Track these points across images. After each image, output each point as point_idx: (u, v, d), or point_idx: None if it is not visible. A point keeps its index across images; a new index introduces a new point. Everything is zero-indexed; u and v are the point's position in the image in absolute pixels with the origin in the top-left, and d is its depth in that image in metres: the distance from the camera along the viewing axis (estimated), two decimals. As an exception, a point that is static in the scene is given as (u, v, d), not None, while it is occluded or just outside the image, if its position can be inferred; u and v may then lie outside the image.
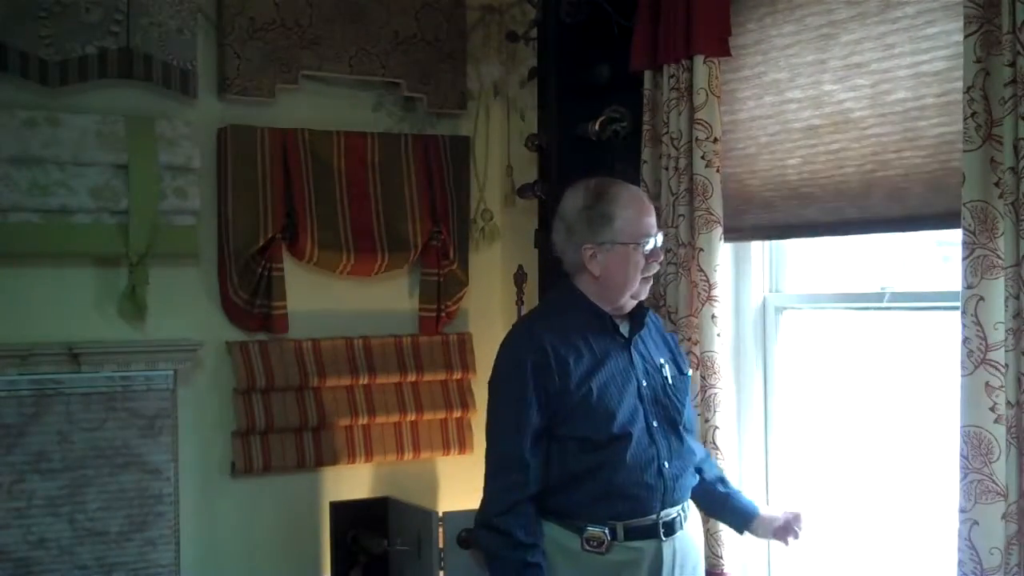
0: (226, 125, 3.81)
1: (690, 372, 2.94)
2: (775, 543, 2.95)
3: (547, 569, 2.61)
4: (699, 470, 2.88)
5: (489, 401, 2.75)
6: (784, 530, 2.84)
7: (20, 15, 3.43)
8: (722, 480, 2.97)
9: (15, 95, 3.50)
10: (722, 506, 2.93)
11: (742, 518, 2.90)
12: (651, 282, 2.79)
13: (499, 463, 2.67)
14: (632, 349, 2.75)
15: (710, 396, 3.21)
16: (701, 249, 3.22)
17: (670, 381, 2.77)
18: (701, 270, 3.22)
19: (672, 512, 2.69)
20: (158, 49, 3.63)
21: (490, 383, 2.77)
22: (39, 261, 3.56)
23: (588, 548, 2.62)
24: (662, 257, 2.79)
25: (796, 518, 2.84)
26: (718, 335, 3.21)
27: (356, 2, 3.97)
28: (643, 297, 2.78)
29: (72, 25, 3.50)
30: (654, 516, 2.65)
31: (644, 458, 2.65)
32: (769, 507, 3.03)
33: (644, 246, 2.70)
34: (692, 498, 2.81)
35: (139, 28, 3.59)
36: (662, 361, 2.79)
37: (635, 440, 2.64)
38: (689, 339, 3.26)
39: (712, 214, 3.22)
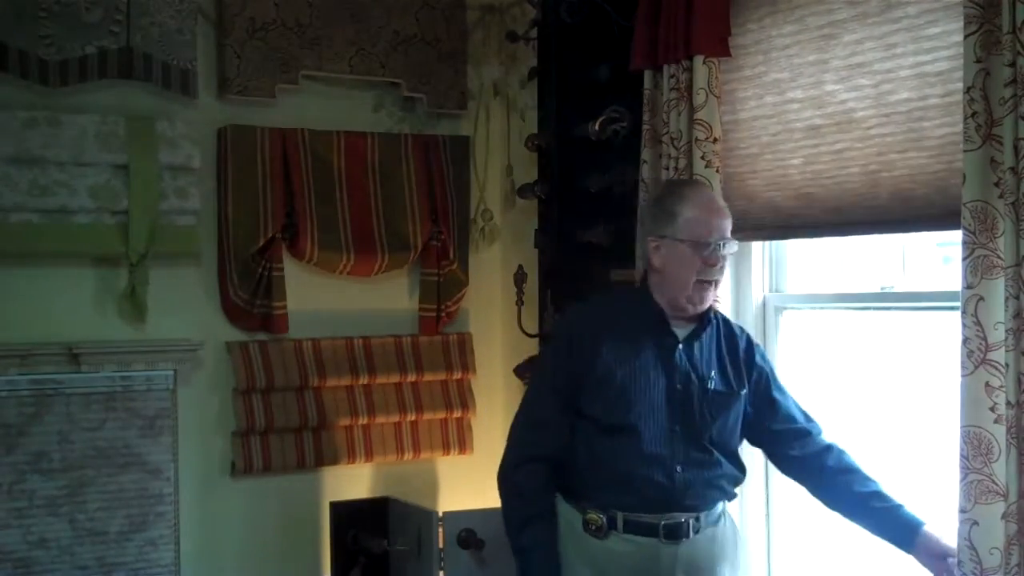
0: (226, 125, 3.81)
1: (744, 391, 2.82)
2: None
3: (562, 543, 2.70)
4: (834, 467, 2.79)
5: (532, 370, 2.87)
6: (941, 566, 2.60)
7: (20, 15, 3.43)
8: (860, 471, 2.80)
9: (15, 95, 3.50)
10: (877, 511, 2.72)
11: (901, 531, 2.67)
12: (710, 288, 2.76)
13: (523, 421, 2.80)
14: (679, 351, 2.75)
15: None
16: None
17: (709, 393, 2.74)
18: None
19: (679, 517, 2.68)
20: (158, 49, 3.62)
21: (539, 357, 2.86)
22: (39, 261, 3.56)
23: (587, 531, 2.68)
24: (721, 264, 2.75)
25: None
26: None
27: (356, 2, 3.97)
28: (703, 304, 2.75)
29: (72, 25, 3.49)
30: (657, 516, 2.66)
31: (659, 456, 2.67)
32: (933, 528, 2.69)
33: (702, 249, 2.70)
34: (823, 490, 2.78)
35: (139, 28, 3.59)
36: (712, 372, 2.77)
37: (650, 436, 2.66)
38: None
39: None
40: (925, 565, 2.64)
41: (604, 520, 2.66)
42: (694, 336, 2.78)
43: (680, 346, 2.76)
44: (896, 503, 2.71)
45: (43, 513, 3.53)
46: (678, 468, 2.68)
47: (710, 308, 2.81)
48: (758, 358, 2.89)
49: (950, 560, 2.55)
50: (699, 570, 2.71)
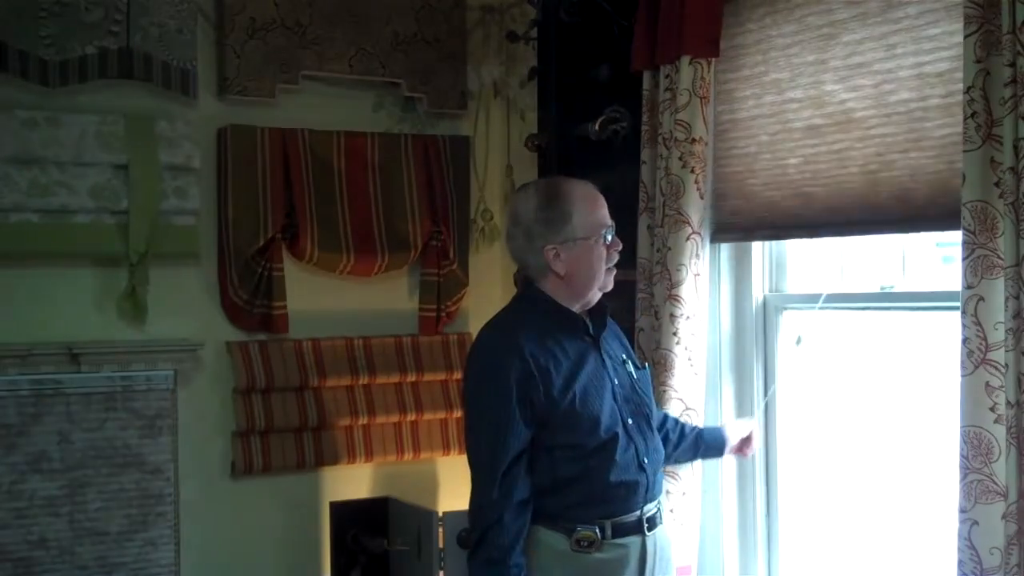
0: (226, 125, 3.81)
1: (648, 364, 3.06)
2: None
3: (539, 571, 2.63)
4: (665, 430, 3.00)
5: (470, 411, 2.73)
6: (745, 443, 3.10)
7: (20, 15, 3.42)
8: (682, 424, 3.11)
9: (15, 95, 3.50)
10: (696, 444, 3.07)
11: (718, 444, 3.10)
12: (615, 272, 2.78)
13: (481, 479, 2.66)
14: (600, 349, 2.75)
15: (661, 392, 3.22)
16: (669, 248, 3.25)
17: (635, 376, 2.80)
18: (666, 269, 3.24)
19: (652, 507, 2.72)
20: (158, 49, 3.62)
21: (469, 391, 2.74)
22: (39, 261, 3.56)
23: (578, 548, 2.63)
24: (621, 246, 2.77)
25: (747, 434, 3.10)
26: (675, 334, 3.23)
27: (356, 2, 3.97)
28: (609, 288, 2.78)
29: (72, 25, 3.49)
30: (638, 512, 2.68)
31: (628, 456, 2.67)
32: (729, 424, 3.23)
33: (604, 238, 2.71)
34: (674, 454, 3.00)
35: (139, 28, 3.59)
36: (624, 358, 2.82)
37: (620, 441, 2.66)
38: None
39: (681, 214, 3.23)
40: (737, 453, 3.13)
41: (598, 532, 2.63)
42: (600, 329, 2.78)
43: (599, 343, 2.76)
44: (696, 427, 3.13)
45: (43, 513, 3.53)
46: (644, 460, 2.70)
47: (603, 296, 2.81)
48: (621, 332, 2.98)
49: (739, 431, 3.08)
50: (665, 556, 2.77)
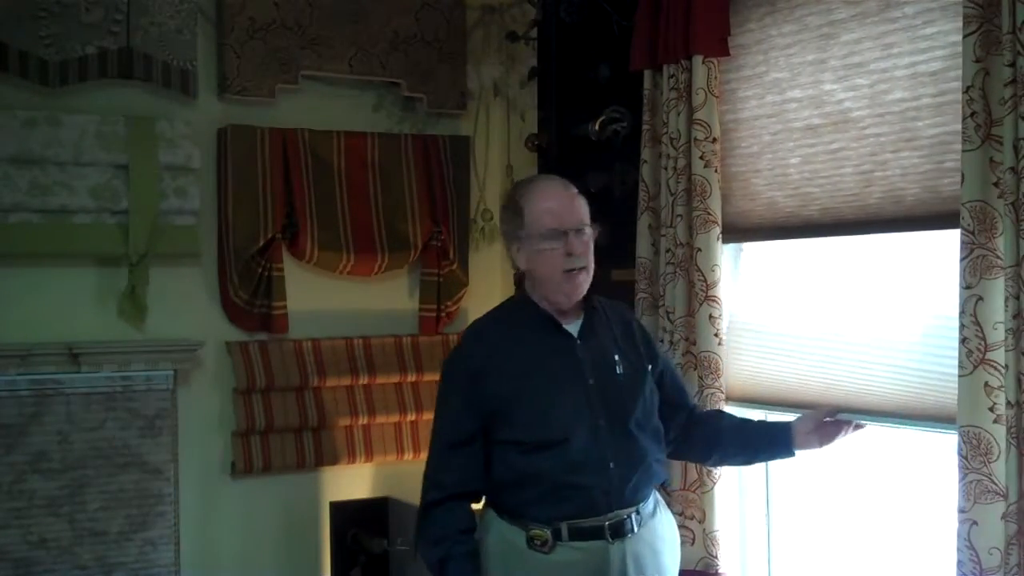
0: (226, 125, 3.81)
1: (652, 364, 2.82)
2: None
3: (492, 562, 2.62)
4: (708, 425, 2.89)
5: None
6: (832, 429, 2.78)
7: (20, 15, 3.43)
8: (739, 419, 2.95)
9: (15, 95, 3.51)
10: (750, 442, 2.86)
11: (783, 439, 2.82)
12: (580, 274, 2.64)
13: (428, 466, 2.72)
14: (578, 348, 2.69)
15: (708, 396, 3.20)
16: (699, 249, 3.22)
17: (620, 378, 2.69)
18: (699, 270, 3.22)
19: (622, 514, 2.61)
20: (158, 49, 3.63)
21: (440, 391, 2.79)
22: (39, 261, 3.56)
23: (532, 547, 2.59)
24: (583, 250, 2.63)
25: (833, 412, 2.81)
26: (715, 335, 3.21)
27: (356, 2, 3.97)
28: (577, 293, 2.68)
29: (72, 25, 3.50)
30: (601, 518, 2.60)
31: (589, 458, 2.60)
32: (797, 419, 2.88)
33: (557, 239, 2.60)
34: (721, 448, 2.85)
35: (139, 28, 3.59)
36: (616, 357, 2.71)
37: (578, 441, 2.60)
38: (687, 339, 3.27)
39: (710, 214, 3.22)
40: (811, 443, 2.78)
41: (549, 534, 2.58)
42: (587, 328, 2.72)
43: (578, 342, 2.70)
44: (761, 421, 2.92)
45: (43, 513, 3.53)
46: (611, 465, 2.61)
47: (591, 296, 2.74)
48: (657, 347, 2.90)
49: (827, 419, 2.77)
50: (645, 566, 2.64)
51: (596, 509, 2.59)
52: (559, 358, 2.67)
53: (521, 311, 2.73)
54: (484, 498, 2.72)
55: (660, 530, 2.71)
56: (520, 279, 3.98)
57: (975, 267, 2.46)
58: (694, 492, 3.26)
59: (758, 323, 3.28)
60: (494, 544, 2.65)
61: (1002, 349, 2.42)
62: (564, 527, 2.58)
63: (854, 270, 3.03)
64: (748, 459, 2.94)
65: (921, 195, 2.76)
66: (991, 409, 2.44)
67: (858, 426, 2.80)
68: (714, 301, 3.21)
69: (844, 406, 2.86)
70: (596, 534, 2.59)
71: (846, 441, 2.79)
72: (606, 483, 2.60)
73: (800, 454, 2.81)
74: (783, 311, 3.21)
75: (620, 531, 2.60)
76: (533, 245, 2.64)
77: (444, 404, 2.74)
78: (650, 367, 2.78)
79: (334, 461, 3.99)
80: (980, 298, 2.45)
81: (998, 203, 2.44)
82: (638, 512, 2.64)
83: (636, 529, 2.62)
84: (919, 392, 2.75)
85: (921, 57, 2.75)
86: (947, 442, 2.64)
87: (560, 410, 2.62)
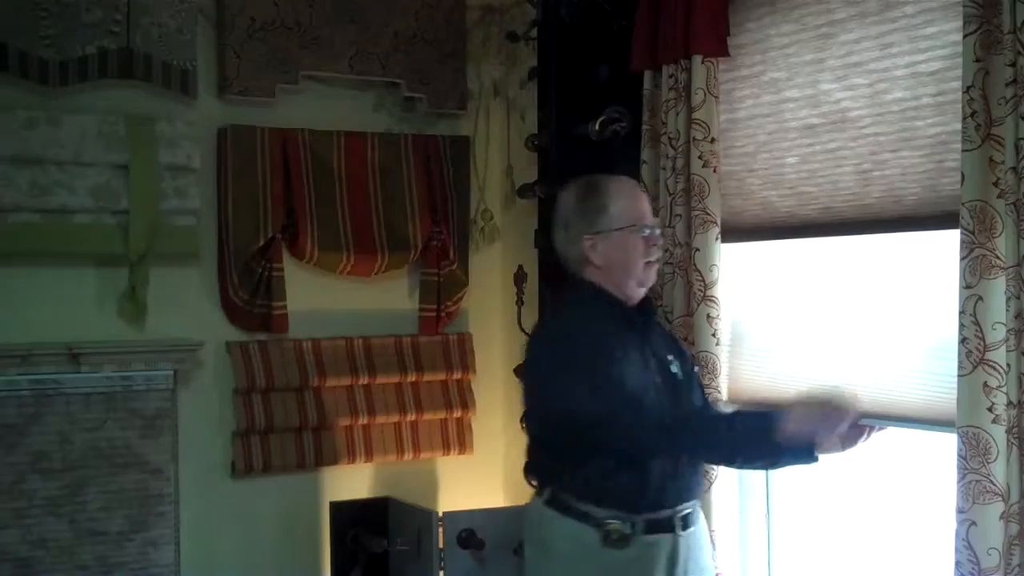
0: (226, 125, 3.81)
1: (694, 365, 2.96)
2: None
3: (554, 562, 2.64)
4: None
5: (551, 378, 2.63)
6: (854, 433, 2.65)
7: (20, 15, 3.43)
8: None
9: (15, 95, 3.50)
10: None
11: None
12: (654, 268, 2.80)
13: (592, 404, 2.56)
14: (645, 344, 2.75)
15: (706, 396, 3.20)
16: (697, 249, 3.22)
17: (679, 377, 2.78)
18: (697, 270, 3.22)
19: (687, 507, 2.70)
20: (158, 49, 3.63)
21: (543, 365, 2.67)
22: (39, 261, 3.56)
23: (607, 544, 2.61)
24: (661, 242, 2.81)
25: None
26: (713, 335, 3.21)
27: (356, 2, 3.97)
28: (650, 283, 2.80)
29: (72, 25, 3.50)
30: (671, 510, 2.66)
31: None
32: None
33: (641, 230, 2.73)
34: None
35: (139, 28, 3.59)
36: (670, 357, 2.80)
37: None
38: (685, 339, 3.27)
39: (708, 214, 3.22)
40: (833, 447, 2.60)
41: (630, 527, 2.61)
42: (648, 325, 2.80)
43: (645, 339, 2.76)
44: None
45: (43, 513, 3.53)
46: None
47: (650, 293, 2.83)
48: (683, 345, 2.95)
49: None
50: (697, 559, 2.73)
51: (669, 501, 2.65)
52: (636, 351, 2.72)
53: (597, 302, 2.74)
54: (545, 494, 2.69)
55: (702, 527, 2.81)
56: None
57: (975, 267, 2.46)
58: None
59: (759, 323, 3.27)
60: (561, 543, 2.65)
61: (1002, 349, 2.42)
62: (640, 521, 2.62)
63: (854, 270, 3.03)
64: (771, 464, 2.86)
65: (921, 195, 2.76)
66: (990, 409, 2.43)
67: (878, 429, 2.76)
68: (712, 301, 3.21)
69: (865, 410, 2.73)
70: (668, 526, 2.65)
71: (867, 445, 2.73)
72: (680, 473, 2.67)
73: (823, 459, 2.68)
74: (783, 311, 3.20)
75: (687, 523, 2.68)
76: (616, 238, 2.72)
77: (582, 361, 2.59)
78: (695, 368, 2.90)
79: (334, 461, 3.99)
80: (980, 298, 2.45)
81: (998, 203, 2.43)
82: (695, 506, 2.73)
83: (696, 523, 2.72)
84: (921, 394, 2.75)
85: (921, 57, 2.74)
86: (947, 442, 2.63)
87: (647, 396, 2.66)
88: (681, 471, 2.67)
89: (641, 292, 2.79)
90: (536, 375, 2.76)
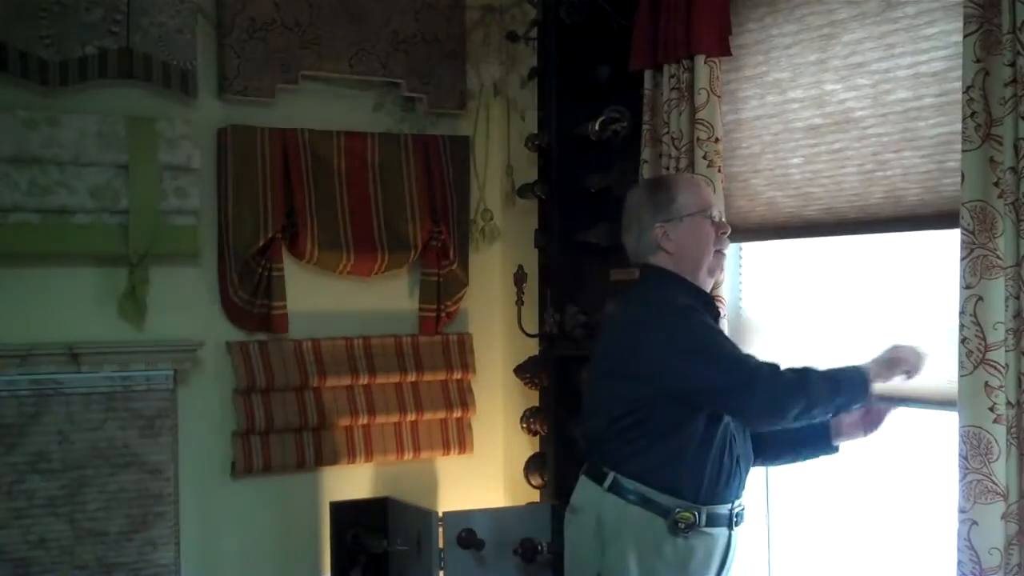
0: (226, 125, 3.81)
1: None
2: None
3: (617, 547, 2.62)
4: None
5: (693, 354, 2.62)
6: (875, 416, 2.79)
7: (20, 15, 3.43)
8: None
9: (15, 95, 3.50)
10: (793, 440, 2.86)
11: (823, 434, 2.83)
12: (724, 258, 2.82)
13: (724, 361, 2.61)
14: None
15: None
16: None
17: None
18: None
19: (741, 504, 2.72)
20: (158, 49, 3.63)
21: (676, 341, 2.63)
22: (39, 261, 3.56)
23: (673, 532, 2.61)
24: (729, 230, 2.81)
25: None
26: None
27: (356, 2, 3.97)
28: (718, 274, 2.84)
29: (72, 25, 3.50)
30: (729, 504, 2.68)
31: (726, 444, 2.67)
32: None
33: (710, 216, 2.75)
34: (765, 447, 2.83)
35: (139, 28, 3.59)
36: None
37: (723, 424, 2.66)
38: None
39: None
40: (856, 432, 2.80)
41: (695, 516, 2.62)
42: (719, 314, 2.86)
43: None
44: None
45: (43, 513, 3.53)
46: (740, 454, 2.71)
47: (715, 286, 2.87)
48: None
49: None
50: (736, 558, 2.75)
51: (729, 496, 2.68)
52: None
53: (679, 291, 2.74)
54: (607, 481, 2.67)
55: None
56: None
57: (975, 267, 2.46)
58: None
59: (759, 323, 3.27)
60: (627, 530, 2.63)
61: (1002, 349, 2.43)
62: (704, 511, 2.63)
63: (854, 269, 3.04)
64: (792, 458, 2.93)
65: (922, 195, 2.77)
66: (991, 409, 2.44)
67: (895, 409, 2.80)
68: (717, 300, 3.20)
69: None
70: (724, 520, 2.68)
71: (888, 427, 2.80)
72: (739, 470, 2.70)
73: (844, 447, 2.84)
74: (783, 311, 3.21)
75: (740, 519, 2.71)
76: (686, 224, 2.73)
77: (713, 333, 2.67)
78: None
79: (334, 461, 3.99)
80: (980, 298, 2.46)
81: (998, 203, 2.44)
82: (743, 504, 2.74)
83: (744, 521, 2.74)
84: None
85: (923, 57, 2.75)
86: (948, 424, 2.63)
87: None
88: (736, 468, 2.68)
89: (710, 283, 2.82)
90: (651, 358, 2.64)
